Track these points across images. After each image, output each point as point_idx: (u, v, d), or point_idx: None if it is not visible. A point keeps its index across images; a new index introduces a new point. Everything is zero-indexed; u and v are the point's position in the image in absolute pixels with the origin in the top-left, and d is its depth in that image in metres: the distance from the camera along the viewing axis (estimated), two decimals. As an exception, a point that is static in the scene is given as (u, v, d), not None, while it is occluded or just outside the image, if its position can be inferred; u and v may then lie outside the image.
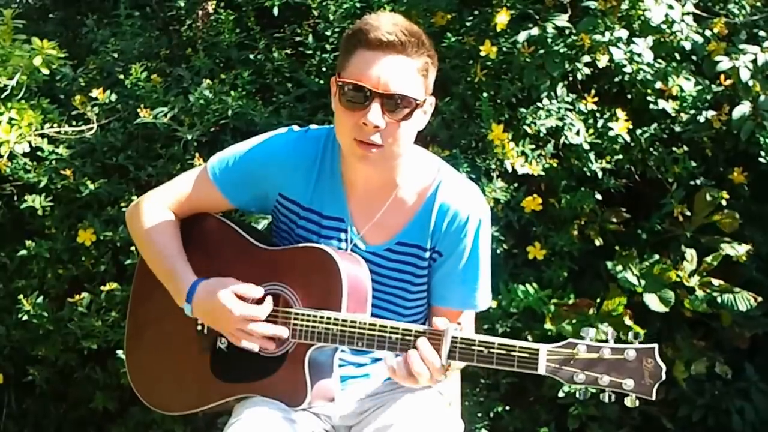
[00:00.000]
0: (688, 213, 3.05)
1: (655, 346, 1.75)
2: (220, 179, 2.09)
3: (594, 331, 1.79)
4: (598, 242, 3.04)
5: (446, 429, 2.03)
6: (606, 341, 1.77)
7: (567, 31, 2.93)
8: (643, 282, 2.94)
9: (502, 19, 2.86)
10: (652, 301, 2.92)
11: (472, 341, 1.83)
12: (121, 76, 3.05)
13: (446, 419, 2.06)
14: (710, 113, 3.02)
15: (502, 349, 1.81)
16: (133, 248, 2.77)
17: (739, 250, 3.03)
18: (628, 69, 2.96)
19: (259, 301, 1.98)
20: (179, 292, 2.03)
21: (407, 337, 1.88)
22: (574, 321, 2.86)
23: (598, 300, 2.96)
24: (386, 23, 1.88)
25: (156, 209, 2.11)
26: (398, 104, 1.88)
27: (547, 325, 2.87)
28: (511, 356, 1.80)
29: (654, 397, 1.74)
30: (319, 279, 1.97)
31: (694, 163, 3.04)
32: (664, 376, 1.73)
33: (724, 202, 3.03)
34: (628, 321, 2.89)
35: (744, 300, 2.96)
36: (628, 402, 1.75)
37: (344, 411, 2.08)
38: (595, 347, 1.76)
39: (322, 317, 1.93)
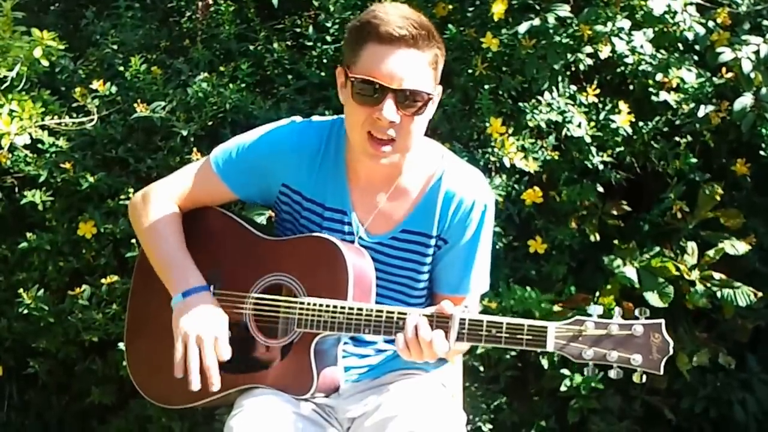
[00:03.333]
0: (687, 209, 3.04)
1: (662, 321, 1.76)
2: (224, 171, 2.09)
3: (600, 308, 1.80)
4: (594, 237, 3.02)
5: (449, 420, 2.02)
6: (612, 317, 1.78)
7: (569, 22, 2.92)
8: (642, 277, 2.93)
9: (498, 8, 2.84)
10: (652, 298, 2.91)
11: (480, 322, 1.83)
12: (121, 68, 3.04)
13: (449, 410, 2.06)
14: (710, 108, 3.00)
15: (511, 329, 1.81)
16: (133, 241, 2.76)
17: (739, 248, 3.02)
18: (629, 60, 2.95)
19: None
20: (179, 282, 2.01)
21: None
22: (568, 316, 2.84)
23: (597, 294, 2.95)
24: (395, 16, 1.87)
25: (160, 202, 2.11)
26: (412, 99, 1.89)
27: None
28: (520, 335, 1.81)
29: (662, 372, 1.75)
30: (325, 269, 1.97)
31: (695, 159, 3.03)
32: (672, 351, 1.75)
33: (718, 197, 3.02)
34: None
35: (744, 295, 2.95)
36: (635, 377, 1.76)
37: (348, 401, 2.08)
38: (603, 323, 1.77)
39: (327, 306, 1.93)
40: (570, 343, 1.78)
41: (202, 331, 1.96)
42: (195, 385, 1.94)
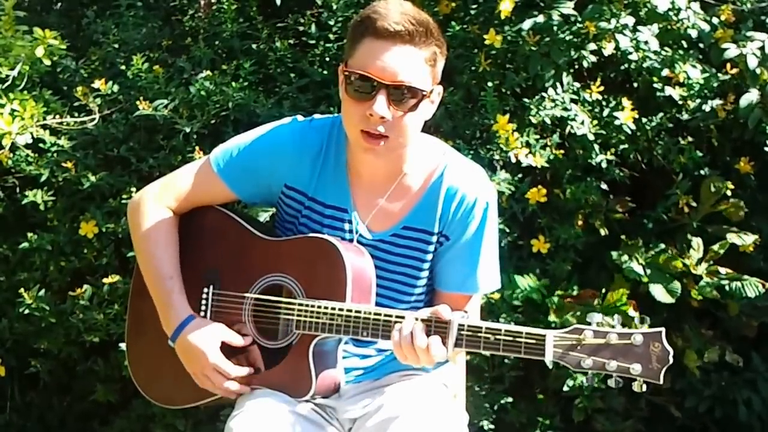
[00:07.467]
0: (694, 204, 3.03)
1: (662, 330, 1.74)
2: (224, 171, 2.07)
3: (600, 317, 1.78)
4: (603, 232, 3.02)
5: (451, 421, 2.01)
6: (612, 327, 1.76)
7: (572, 19, 2.91)
8: (648, 272, 2.92)
9: (506, 6, 2.84)
10: (659, 292, 2.90)
11: (479, 328, 1.82)
12: (123, 67, 3.04)
13: (451, 411, 2.04)
14: (716, 102, 3.00)
15: (509, 336, 1.80)
16: (135, 240, 2.76)
17: (746, 239, 3.01)
18: (634, 57, 2.94)
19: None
20: (169, 321, 2.04)
21: None
22: (578, 313, 2.85)
23: (603, 291, 2.94)
24: (394, 12, 1.87)
25: (157, 210, 2.09)
26: (405, 95, 1.87)
27: (551, 317, 2.85)
28: (518, 343, 1.79)
29: (662, 381, 1.73)
30: (323, 269, 1.96)
31: (699, 153, 3.03)
32: (671, 360, 1.73)
33: (729, 192, 3.01)
34: (632, 312, 2.87)
35: (752, 287, 2.94)
36: (635, 387, 1.75)
37: (349, 402, 2.06)
38: (602, 332, 1.75)
39: (326, 308, 1.92)
40: (569, 353, 1.76)
41: (201, 370, 2.02)
42: (241, 389, 2.04)
